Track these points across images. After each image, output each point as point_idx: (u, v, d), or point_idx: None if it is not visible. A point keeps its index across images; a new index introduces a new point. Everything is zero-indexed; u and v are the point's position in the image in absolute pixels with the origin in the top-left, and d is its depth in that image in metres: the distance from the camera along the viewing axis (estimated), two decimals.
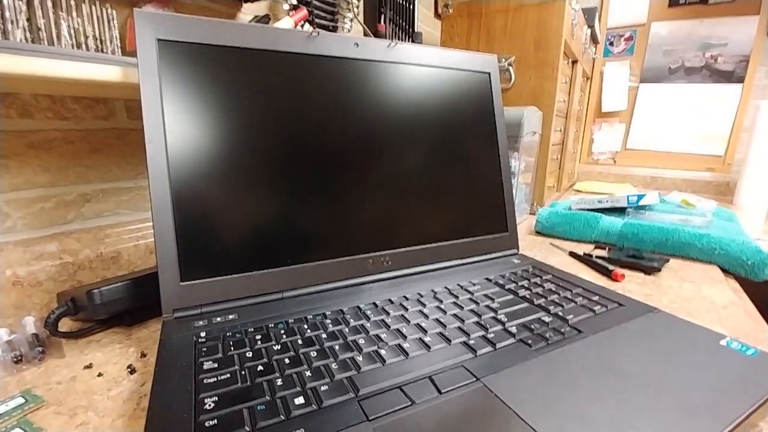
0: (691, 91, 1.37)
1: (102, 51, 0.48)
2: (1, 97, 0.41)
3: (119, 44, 0.49)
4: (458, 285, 0.41)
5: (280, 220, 0.38)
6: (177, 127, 0.34)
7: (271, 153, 0.37)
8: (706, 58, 1.33)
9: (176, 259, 0.33)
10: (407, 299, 0.38)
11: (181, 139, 0.34)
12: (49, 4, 0.43)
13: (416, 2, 1.10)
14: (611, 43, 1.46)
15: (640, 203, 0.73)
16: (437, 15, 1.26)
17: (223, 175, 0.35)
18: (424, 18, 1.21)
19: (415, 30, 1.12)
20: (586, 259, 0.57)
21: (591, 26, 1.21)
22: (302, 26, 0.68)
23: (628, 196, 0.73)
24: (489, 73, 0.51)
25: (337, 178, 0.40)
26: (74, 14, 0.45)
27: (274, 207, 0.37)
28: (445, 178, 0.47)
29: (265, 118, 0.37)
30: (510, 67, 0.86)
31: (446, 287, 0.40)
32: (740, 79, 1.30)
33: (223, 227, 0.35)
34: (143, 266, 0.50)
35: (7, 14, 0.40)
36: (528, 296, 0.39)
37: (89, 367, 0.32)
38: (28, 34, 0.42)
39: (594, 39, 1.32)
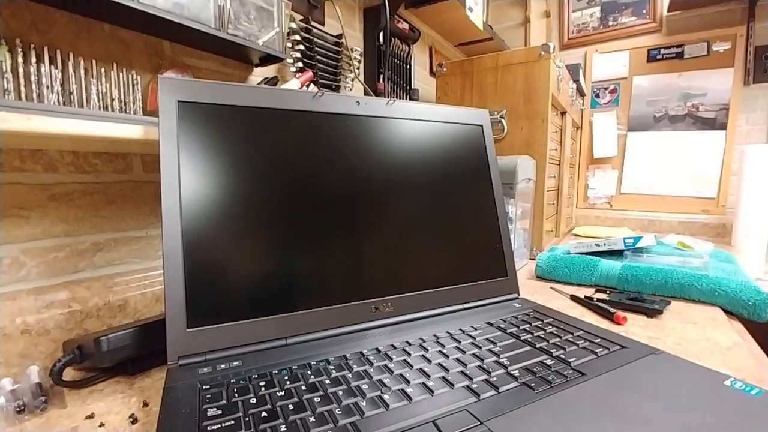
0: (677, 138, 1.43)
1: (126, 111, 0.52)
2: (30, 153, 0.44)
3: (141, 105, 0.53)
4: (460, 329, 0.41)
5: (286, 268, 0.39)
6: (191, 180, 0.36)
7: (279, 204, 0.39)
8: (688, 107, 1.41)
9: (184, 306, 0.34)
10: (410, 344, 0.38)
11: (194, 191, 0.36)
12: (82, 72, 0.48)
13: (413, 62, 1.19)
14: (597, 95, 1.55)
15: (637, 246, 0.74)
16: (432, 73, 1.35)
17: (231, 225, 0.37)
18: (420, 76, 1.30)
19: (412, 87, 1.20)
20: (587, 303, 0.57)
21: (576, 80, 1.30)
22: (308, 86, 0.74)
23: (624, 239, 0.74)
24: (481, 126, 0.55)
25: (341, 227, 0.42)
26: (103, 80, 0.50)
27: (280, 255, 0.39)
28: (444, 225, 0.48)
29: (273, 171, 0.40)
30: (502, 119, 0.91)
31: (448, 332, 0.41)
32: (723, 126, 1.36)
33: (231, 275, 0.36)
34: (148, 314, 0.51)
35: (43, 80, 0.45)
36: (530, 339, 0.39)
37: (91, 417, 0.32)
38: (60, 98, 0.46)
39: (580, 92, 1.40)
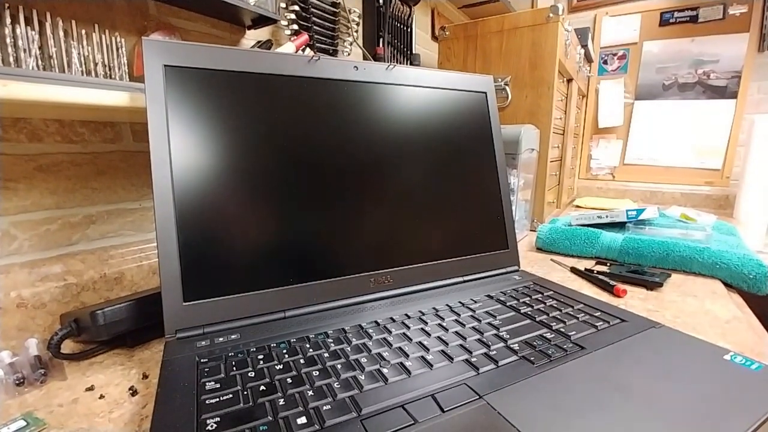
0: (685, 107, 1.39)
1: (111, 77, 0.49)
2: (12, 122, 0.42)
3: (127, 70, 0.51)
4: (459, 302, 0.41)
5: (282, 240, 0.38)
6: (182, 149, 0.35)
7: (274, 173, 0.38)
8: (698, 74, 1.36)
9: (179, 280, 0.33)
10: (409, 317, 0.38)
11: (186, 161, 0.35)
12: (61, 33, 0.45)
13: (414, 25, 1.14)
14: (605, 62, 1.49)
15: (640, 218, 0.73)
16: (434, 37, 1.29)
17: (226, 195, 0.36)
18: (421, 40, 1.24)
19: (413, 52, 1.15)
20: (587, 275, 0.57)
21: (584, 46, 1.24)
22: (303, 51, 0.71)
23: (627, 211, 0.73)
24: (485, 93, 0.53)
25: (338, 197, 0.41)
26: (84, 43, 0.47)
27: (276, 227, 0.38)
28: (445, 196, 0.48)
29: (267, 139, 0.38)
30: (506, 86, 0.88)
31: (448, 305, 0.40)
32: (733, 95, 1.32)
33: (226, 247, 0.36)
34: (146, 287, 0.51)
35: (20, 43, 0.42)
36: (530, 313, 0.39)
37: (91, 389, 0.32)
38: (39, 62, 0.43)
39: (588, 58, 1.35)
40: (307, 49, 0.74)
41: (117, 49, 0.50)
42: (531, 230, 0.88)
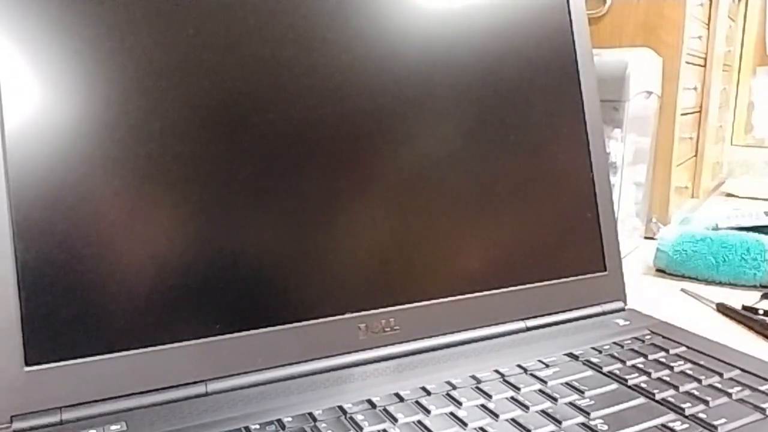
0: None
1: None
2: None
3: None
4: (519, 367, 0.41)
5: (204, 254, 0.38)
6: (23, 95, 0.34)
7: (188, 139, 0.38)
8: None
9: (18, 327, 0.33)
10: (429, 394, 0.38)
11: (30, 117, 0.34)
12: None
13: None
14: None
15: None
16: None
17: (101, 178, 0.36)
18: None
19: None
20: (747, 318, 0.57)
21: None
22: None
23: None
24: None
25: (306, 180, 0.41)
26: None
27: (194, 230, 0.38)
28: (493, 179, 0.48)
29: (176, 76, 0.38)
30: None
31: (498, 371, 0.40)
32: None
33: (104, 267, 0.35)
34: None
35: None
36: (645, 386, 0.39)
37: None
38: None
39: None
40: None
41: None
42: (647, 237, 0.87)
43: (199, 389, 0.37)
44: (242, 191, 0.39)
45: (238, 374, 0.38)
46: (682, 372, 0.40)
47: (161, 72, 0.37)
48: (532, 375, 0.40)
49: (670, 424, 0.34)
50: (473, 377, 0.40)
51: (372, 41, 0.44)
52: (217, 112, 0.39)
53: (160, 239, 0.37)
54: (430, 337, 0.44)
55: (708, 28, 1.05)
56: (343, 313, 0.41)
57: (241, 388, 0.38)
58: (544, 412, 0.35)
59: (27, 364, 0.33)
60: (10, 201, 0.33)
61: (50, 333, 0.34)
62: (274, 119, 0.40)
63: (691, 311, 0.61)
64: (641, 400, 0.37)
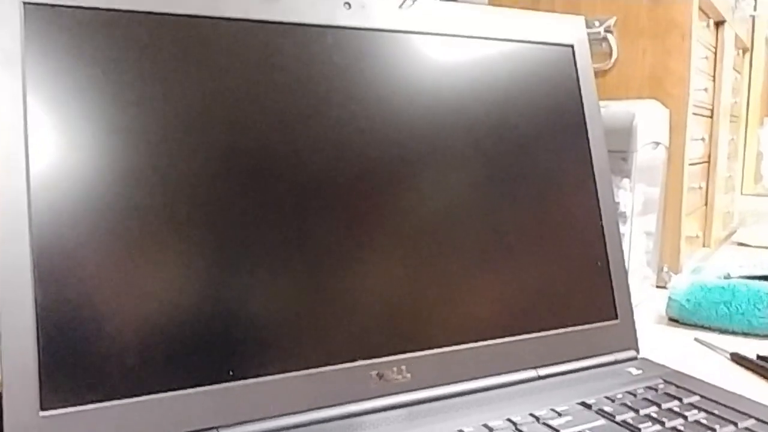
0: None
1: None
2: None
3: None
4: (531, 415, 0.41)
5: (218, 302, 0.38)
6: (49, 145, 0.36)
7: (206, 187, 0.39)
8: None
9: (35, 371, 0.33)
10: None
11: (56, 165, 0.36)
12: None
13: None
14: None
15: None
16: None
17: (122, 226, 0.36)
18: None
19: None
20: (763, 368, 0.57)
21: None
22: None
23: None
24: (572, 46, 0.54)
25: (319, 228, 0.41)
26: None
27: (209, 278, 0.38)
28: (504, 228, 0.48)
29: (196, 128, 0.39)
30: (609, 35, 0.90)
31: (510, 419, 0.40)
32: None
33: (120, 315, 0.36)
34: None
35: None
36: None
37: None
38: None
39: None
40: None
41: None
42: (658, 287, 0.87)
43: None
44: (256, 240, 0.40)
45: (250, 421, 0.38)
46: (697, 422, 0.40)
47: (187, 128, 0.39)
48: (545, 424, 0.40)
49: None
50: (485, 426, 0.39)
51: (384, 94, 0.45)
52: (233, 164, 0.40)
53: (175, 286, 0.38)
54: (442, 384, 0.43)
55: (714, 80, 1.06)
56: (354, 360, 0.41)
57: None
58: None
59: (42, 408, 0.33)
60: (32, 249, 0.34)
61: (66, 378, 0.34)
62: (288, 170, 0.41)
63: (705, 360, 0.60)
64: None
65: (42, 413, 0.33)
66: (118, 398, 0.35)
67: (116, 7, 0.38)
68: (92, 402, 0.35)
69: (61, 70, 0.37)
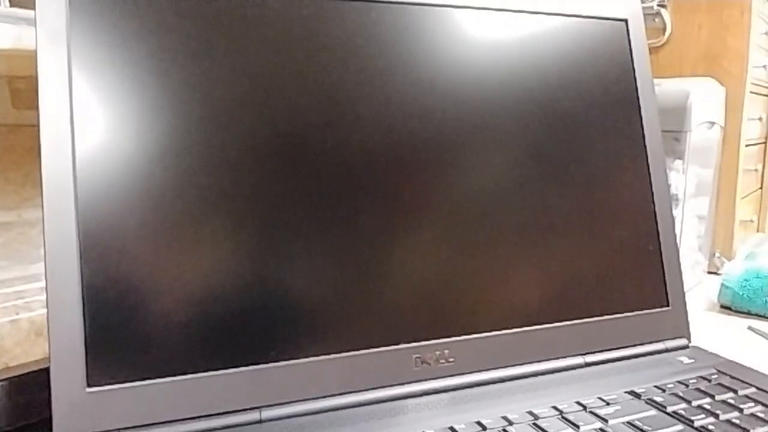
0: None
1: None
2: None
3: None
4: (577, 403, 0.40)
5: (262, 282, 0.39)
6: (94, 123, 0.36)
7: (251, 162, 0.39)
8: None
9: (82, 348, 0.34)
10: (484, 429, 0.37)
11: (100, 143, 0.36)
12: None
13: None
14: None
15: None
16: None
17: (166, 205, 0.37)
18: None
19: None
20: None
21: None
22: None
23: None
24: (626, 21, 0.53)
25: (363, 210, 0.41)
26: None
27: (253, 259, 0.39)
28: (552, 211, 0.47)
29: (242, 104, 0.39)
30: (662, 9, 0.88)
31: (555, 407, 0.40)
32: None
33: (163, 294, 0.36)
34: (23, 359, 0.52)
35: None
36: (713, 428, 0.37)
37: None
38: None
39: None
40: None
41: None
42: (710, 272, 0.86)
43: (254, 416, 0.37)
44: (300, 220, 0.40)
45: (292, 402, 0.38)
46: (753, 414, 0.39)
47: (226, 106, 0.39)
48: (591, 413, 0.39)
49: None
50: (530, 413, 0.39)
51: (430, 71, 0.45)
52: (278, 142, 0.40)
53: (219, 266, 0.38)
54: (486, 370, 0.43)
55: None
56: (397, 344, 0.41)
57: (295, 416, 0.38)
58: None
59: (89, 385, 0.34)
60: (78, 226, 0.35)
61: (111, 355, 0.35)
62: (332, 149, 0.41)
63: (760, 350, 0.59)
64: None
65: (88, 389, 0.34)
66: (162, 376, 0.36)
67: None
68: (137, 380, 0.35)
69: (106, 47, 0.37)
